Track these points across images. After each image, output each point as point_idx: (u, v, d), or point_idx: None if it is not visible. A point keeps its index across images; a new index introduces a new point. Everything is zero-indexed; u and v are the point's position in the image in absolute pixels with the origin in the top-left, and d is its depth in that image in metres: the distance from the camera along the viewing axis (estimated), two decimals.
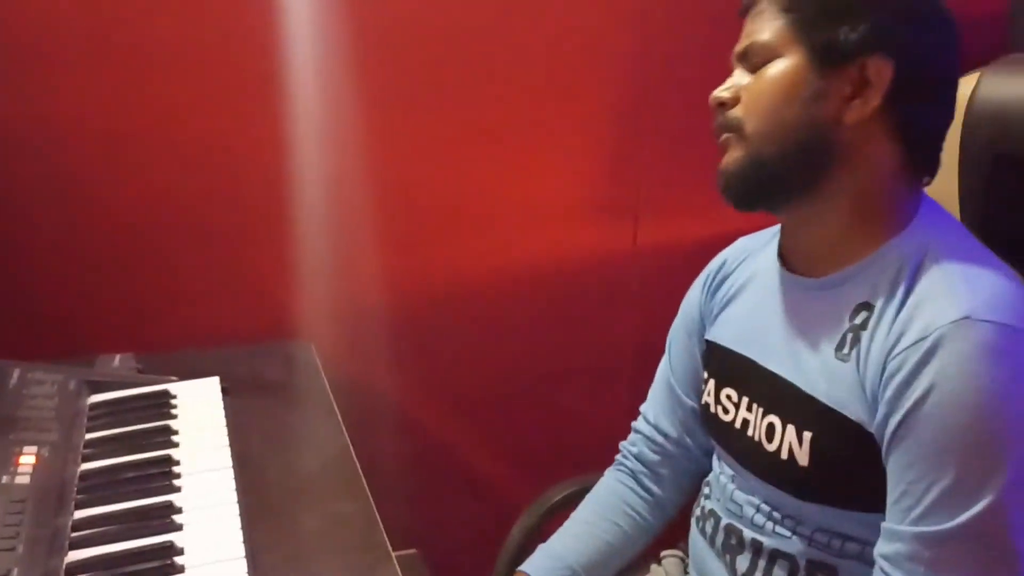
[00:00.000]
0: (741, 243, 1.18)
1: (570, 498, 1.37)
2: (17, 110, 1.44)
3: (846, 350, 0.94)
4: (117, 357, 1.43)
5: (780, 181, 0.96)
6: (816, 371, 0.96)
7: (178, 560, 0.93)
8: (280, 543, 1.02)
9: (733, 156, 0.98)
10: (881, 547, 0.88)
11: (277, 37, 1.53)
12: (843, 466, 0.94)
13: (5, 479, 1.01)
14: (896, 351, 0.88)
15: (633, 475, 1.23)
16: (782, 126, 0.94)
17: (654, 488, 1.22)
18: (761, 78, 0.96)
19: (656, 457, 1.22)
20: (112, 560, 0.92)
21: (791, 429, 0.98)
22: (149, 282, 1.59)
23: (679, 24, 1.72)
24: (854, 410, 0.92)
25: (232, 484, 1.06)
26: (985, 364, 0.83)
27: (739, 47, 1.00)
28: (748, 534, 1.03)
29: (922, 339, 0.86)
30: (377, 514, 1.10)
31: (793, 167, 0.95)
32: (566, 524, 1.22)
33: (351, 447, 1.25)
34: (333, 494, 1.14)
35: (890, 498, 0.88)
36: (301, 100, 1.58)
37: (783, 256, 1.05)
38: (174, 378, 1.32)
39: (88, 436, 1.15)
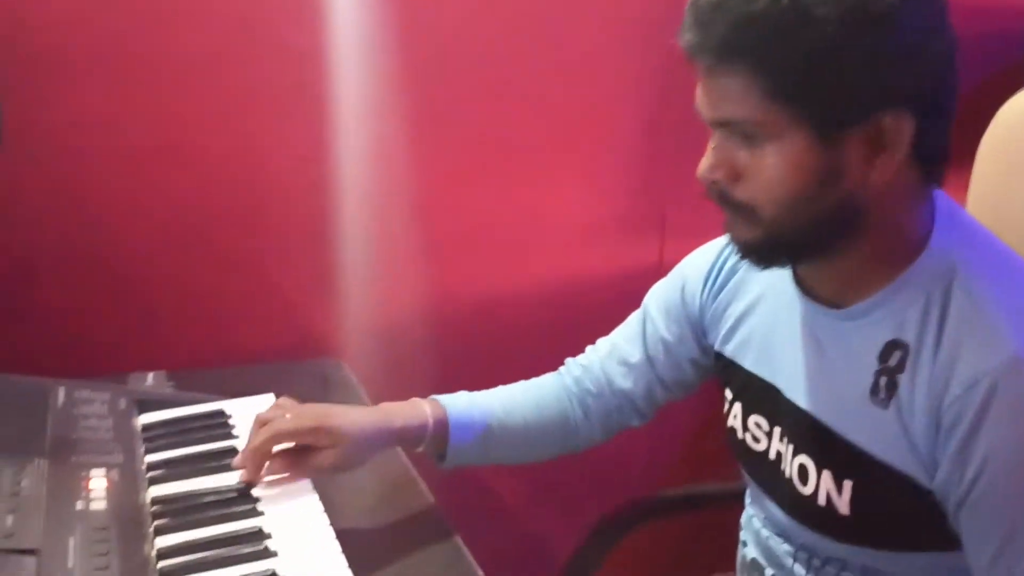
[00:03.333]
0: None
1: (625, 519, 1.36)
2: (39, 119, 1.36)
3: (882, 395, 0.88)
4: (150, 375, 1.36)
5: (807, 248, 0.89)
6: (851, 414, 0.90)
7: None
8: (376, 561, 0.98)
9: (751, 233, 0.88)
10: None
11: (305, 47, 1.49)
12: (890, 515, 0.89)
13: (80, 505, 0.94)
14: (947, 401, 0.82)
15: (567, 389, 1.18)
16: (803, 211, 0.84)
17: (579, 414, 1.17)
18: (762, 161, 0.83)
19: (593, 391, 1.17)
20: None
21: (827, 475, 0.92)
22: (172, 298, 1.53)
23: None
24: (901, 461, 0.87)
25: (319, 506, 1.00)
26: None
27: (710, 114, 0.86)
28: None
29: (973, 386, 0.80)
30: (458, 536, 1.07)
31: (822, 237, 0.87)
32: (498, 388, 1.17)
33: (410, 464, 1.21)
34: (409, 512, 1.12)
35: (981, 555, 0.84)
36: (327, 113, 1.53)
37: (797, 278, 0.97)
38: (219, 396, 1.26)
39: (149, 458, 1.08)
